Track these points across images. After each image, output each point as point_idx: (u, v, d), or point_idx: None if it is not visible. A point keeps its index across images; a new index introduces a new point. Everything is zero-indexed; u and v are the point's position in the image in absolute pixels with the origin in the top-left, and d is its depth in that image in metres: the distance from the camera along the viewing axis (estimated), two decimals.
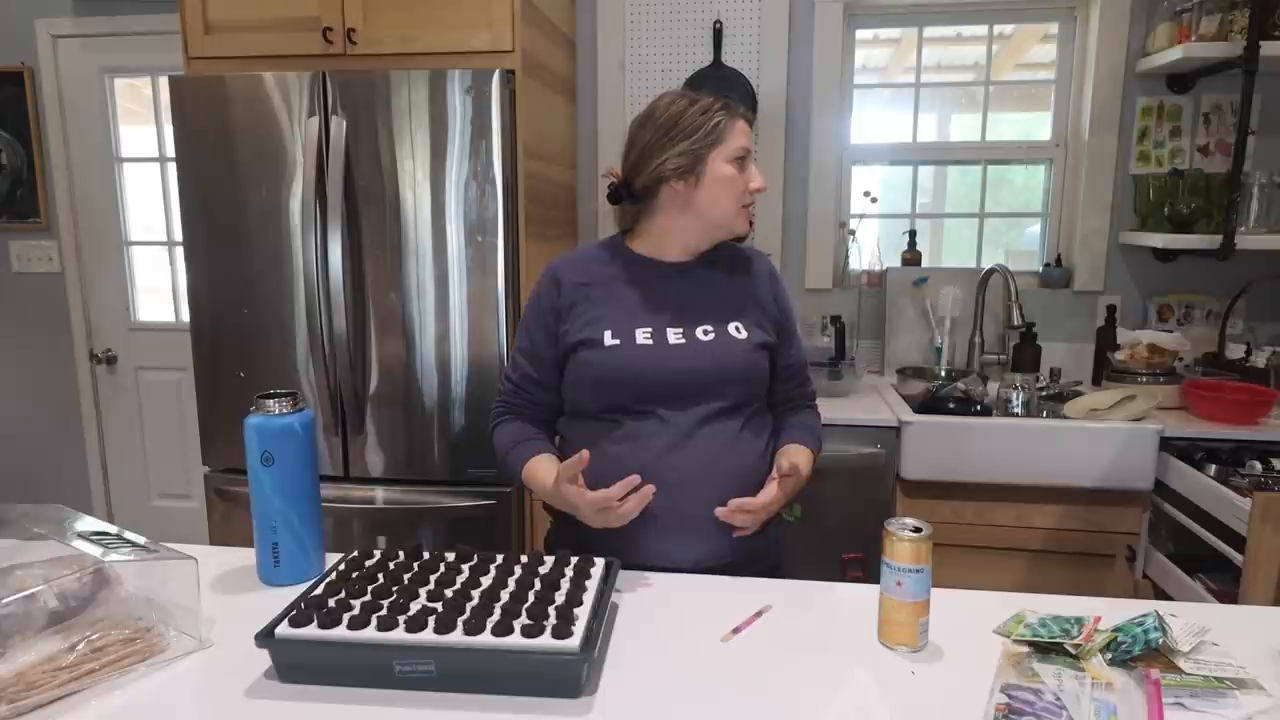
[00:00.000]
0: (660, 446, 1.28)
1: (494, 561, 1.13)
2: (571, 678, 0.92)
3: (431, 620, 0.95)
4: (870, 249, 2.80)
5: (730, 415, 1.32)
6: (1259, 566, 1.76)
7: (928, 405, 2.36)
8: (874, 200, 2.81)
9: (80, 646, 0.94)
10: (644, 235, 1.39)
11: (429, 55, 2.15)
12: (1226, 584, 1.87)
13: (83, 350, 3.19)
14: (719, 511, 1.26)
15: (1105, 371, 2.42)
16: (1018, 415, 2.32)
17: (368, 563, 1.12)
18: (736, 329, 1.35)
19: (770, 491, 1.29)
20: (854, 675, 0.97)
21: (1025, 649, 1.01)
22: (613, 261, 1.38)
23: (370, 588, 1.04)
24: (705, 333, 1.33)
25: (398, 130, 2.07)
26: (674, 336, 1.32)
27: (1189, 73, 2.51)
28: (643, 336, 1.31)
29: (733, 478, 1.30)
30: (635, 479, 1.21)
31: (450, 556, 1.14)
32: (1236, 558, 1.78)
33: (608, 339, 1.31)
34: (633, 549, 1.27)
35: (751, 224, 2.70)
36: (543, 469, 1.33)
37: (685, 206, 1.33)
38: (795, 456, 1.32)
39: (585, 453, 1.22)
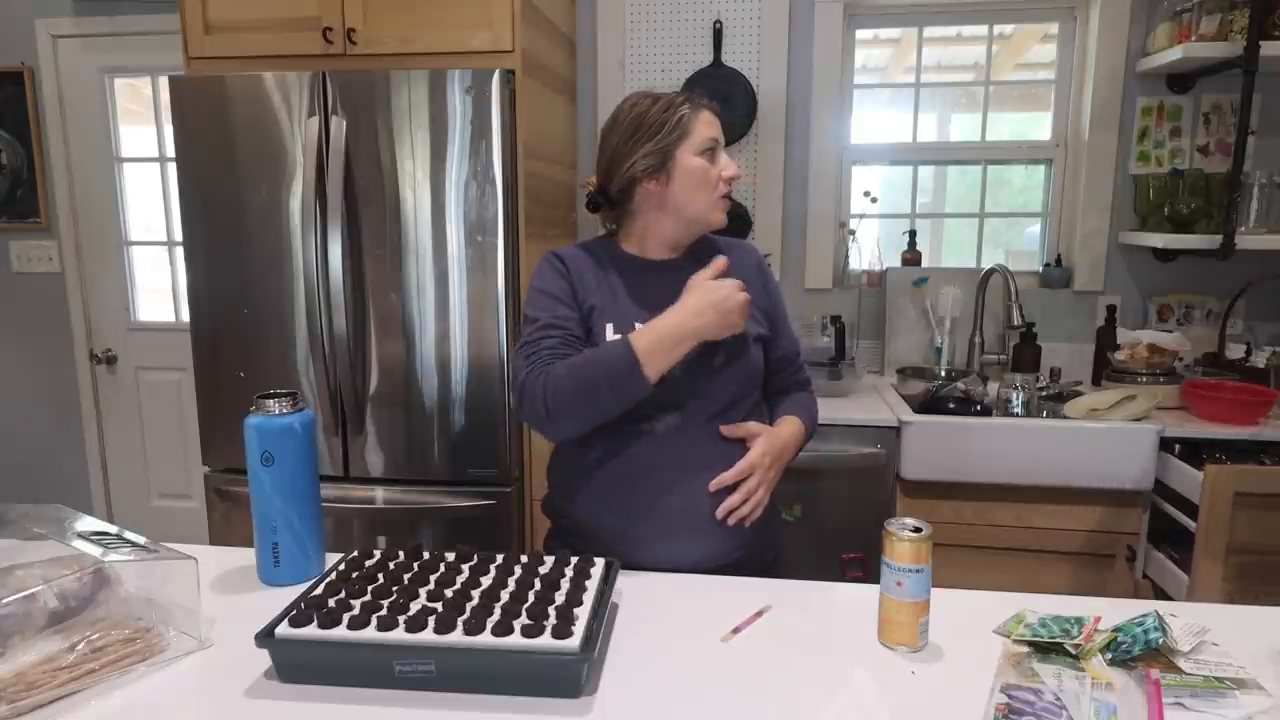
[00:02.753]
0: (663, 448, 1.28)
1: (494, 561, 1.13)
2: (571, 678, 0.92)
3: (431, 620, 0.95)
4: (870, 249, 2.80)
5: (730, 412, 1.32)
6: (1210, 533, 1.80)
7: (928, 405, 2.36)
8: (874, 200, 2.81)
9: (80, 646, 0.94)
10: (628, 237, 1.39)
11: (429, 55, 2.15)
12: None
13: (83, 350, 3.19)
14: (720, 510, 1.27)
15: (1105, 371, 2.42)
16: (1018, 415, 2.32)
17: (368, 563, 1.12)
18: None
19: (750, 455, 1.30)
20: (854, 675, 0.97)
21: (1025, 649, 1.01)
22: (603, 261, 1.38)
23: (370, 588, 1.04)
24: None
25: (398, 130, 2.07)
26: None
27: (1189, 73, 2.51)
28: None
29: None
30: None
31: (450, 556, 1.14)
32: None
33: (609, 334, 1.30)
34: (636, 551, 1.26)
35: (752, 223, 2.73)
36: (652, 323, 1.23)
37: (661, 204, 1.33)
38: (778, 424, 1.37)
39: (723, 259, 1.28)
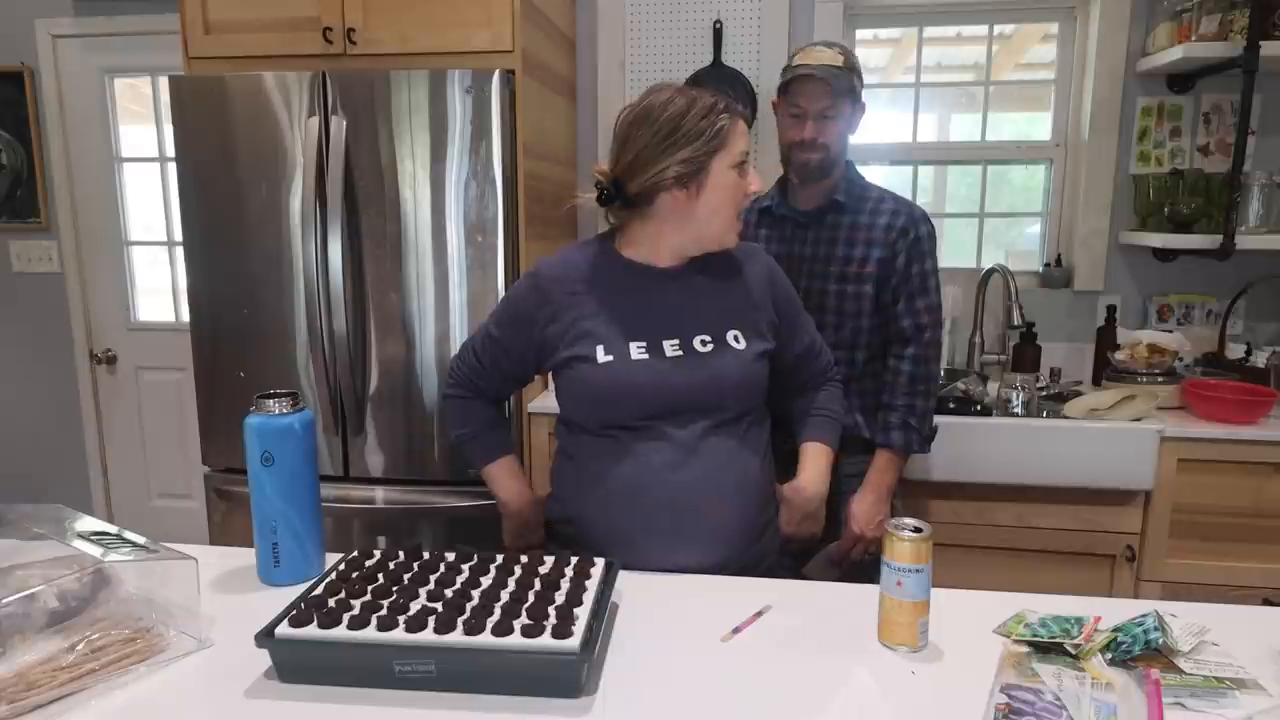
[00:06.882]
0: (662, 464, 1.26)
1: (494, 561, 1.13)
2: (571, 678, 0.92)
3: (431, 620, 0.95)
4: None
5: (731, 426, 1.30)
6: (1160, 495, 2.07)
7: None
8: None
9: (80, 646, 0.94)
10: (635, 240, 1.32)
11: (429, 55, 2.15)
12: None
13: (83, 350, 3.19)
14: None
15: (1105, 371, 2.41)
16: (1018, 415, 2.32)
17: (368, 563, 1.12)
18: (735, 338, 1.31)
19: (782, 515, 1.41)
20: (854, 675, 0.97)
21: (1025, 649, 1.01)
22: (601, 267, 1.32)
23: (370, 588, 1.04)
24: (703, 343, 1.29)
25: (398, 130, 2.07)
26: (670, 349, 1.28)
27: (1189, 73, 2.50)
28: (637, 351, 1.26)
29: (734, 490, 1.29)
30: None
31: (450, 556, 1.14)
32: None
33: (600, 355, 1.26)
34: (635, 561, 1.25)
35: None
36: (504, 479, 1.47)
37: (685, 215, 1.26)
38: (802, 473, 1.43)
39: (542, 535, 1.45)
